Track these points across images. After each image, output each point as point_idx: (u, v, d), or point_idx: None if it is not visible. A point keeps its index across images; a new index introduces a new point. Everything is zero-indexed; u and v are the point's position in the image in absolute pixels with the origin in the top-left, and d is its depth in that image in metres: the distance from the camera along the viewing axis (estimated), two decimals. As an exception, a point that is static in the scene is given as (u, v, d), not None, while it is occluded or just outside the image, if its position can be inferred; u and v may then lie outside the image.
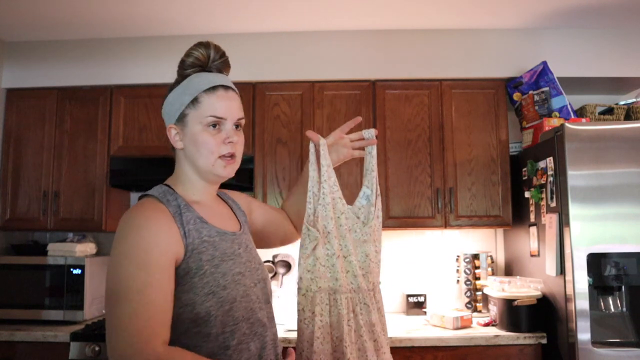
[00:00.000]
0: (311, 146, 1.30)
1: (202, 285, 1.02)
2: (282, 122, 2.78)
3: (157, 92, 2.82)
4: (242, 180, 2.69)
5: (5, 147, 2.86)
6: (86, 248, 2.74)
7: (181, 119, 1.11)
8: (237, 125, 1.14)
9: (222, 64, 1.17)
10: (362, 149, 1.35)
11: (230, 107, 1.12)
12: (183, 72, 1.15)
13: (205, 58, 1.14)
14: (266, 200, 2.74)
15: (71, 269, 2.60)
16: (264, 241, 1.38)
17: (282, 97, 2.79)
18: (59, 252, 2.66)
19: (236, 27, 2.79)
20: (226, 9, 2.58)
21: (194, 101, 1.10)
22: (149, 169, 2.70)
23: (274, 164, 2.75)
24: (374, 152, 1.33)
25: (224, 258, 1.08)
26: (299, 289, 1.21)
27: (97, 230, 2.81)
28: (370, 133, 1.34)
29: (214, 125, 1.10)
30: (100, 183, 2.79)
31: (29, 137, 2.86)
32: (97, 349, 2.31)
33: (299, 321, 1.19)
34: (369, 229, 1.26)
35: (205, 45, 1.14)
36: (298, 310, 1.20)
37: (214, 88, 1.11)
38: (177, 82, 1.14)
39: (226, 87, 1.13)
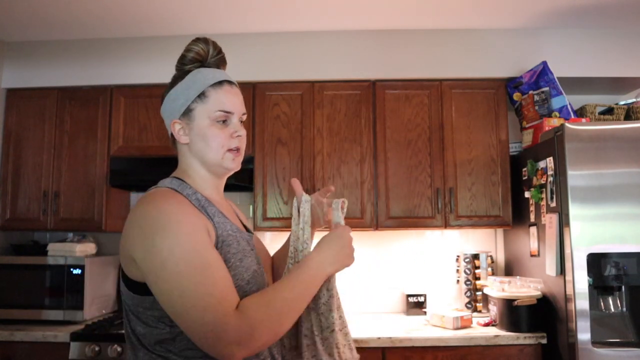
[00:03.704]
0: (295, 201, 1.23)
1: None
2: (282, 122, 2.78)
3: (157, 92, 2.81)
4: (242, 180, 2.70)
5: (5, 147, 2.86)
6: (86, 248, 2.74)
7: (187, 113, 1.11)
8: (240, 120, 1.16)
9: (219, 60, 1.18)
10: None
11: (236, 102, 1.14)
12: (183, 67, 1.15)
13: (205, 53, 1.15)
14: (266, 201, 2.74)
15: (71, 269, 2.60)
16: None
17: (282, 97, 2.79)
18: (59, 252, 2.66)
19: (236, 27, 2.79)
20: (226, 9, 2.58)
21: (201, 95, 1.10)
22: (149, 169, 2.70)
23: (274, 164, 2.75)
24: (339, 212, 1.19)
25: (245, 254, 1.08)
26: None
27: (97, 231, 2.81)
28: (337, 204, 1.19)
29: (223, 120, 1.11)
30: (100, 183, 2.79)
31: (29, 137, 2.86)
32: (97, 349, 2.31)
33: None
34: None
35: (204, 40, 1.15)
36: None
37: (220, 83, 1.12)
38: (179, 77, 1.14)
39: (231, 83, 1.15)
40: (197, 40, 1.15)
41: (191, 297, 0.90)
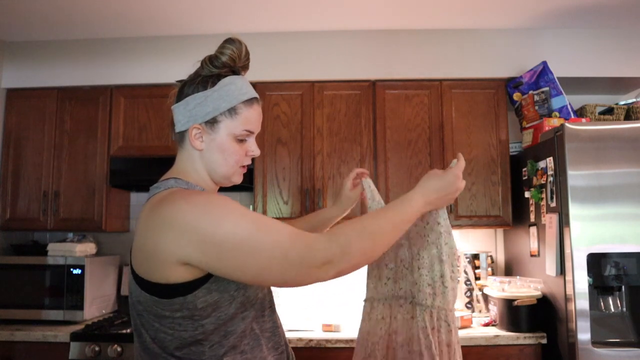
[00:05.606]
0: (366, 183, 1.43)
1: None
2: (282, 122, 2.78)
3: (157, 92, 2.82)
4: (242, 180, 2.69)
5: (5, 147, 2.86)
6: (86, 248, 2.74)
7: (212, 123, 1.06)
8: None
9: (247, 65, 1.13)
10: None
11: (260, 121, 1.12)
12: (212, 68, 1.07)
13: (237, 57, 1.09)
14: (266, 201, 2.74)
15: (71, 269, 2.60)
16: None
17: (282, 97, 2.79)
18: (59, 252, 2.66)
19: (236, 27, 2.79)
20: (226, 9, 2.58)
21: (232, 110, 1.06)
22: (149, 169, 2.70)
23: (274, 164, 2.75)
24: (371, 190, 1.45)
25: None
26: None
27: (97, 230, 2.81)
28: (367, 183, 1.46)
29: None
30: (100, 183, 2.79)
31: (29, 137, 2.86)
32: (97, 349, 2.31)
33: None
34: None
35: (238, 42, 1.08)
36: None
37: (250, 100, 1.09)
38: (209, 80, 1.07)
39: (258, 100, 1.12)
40: (231, 41, 1.08)
41: (265, 252, 0.92)
